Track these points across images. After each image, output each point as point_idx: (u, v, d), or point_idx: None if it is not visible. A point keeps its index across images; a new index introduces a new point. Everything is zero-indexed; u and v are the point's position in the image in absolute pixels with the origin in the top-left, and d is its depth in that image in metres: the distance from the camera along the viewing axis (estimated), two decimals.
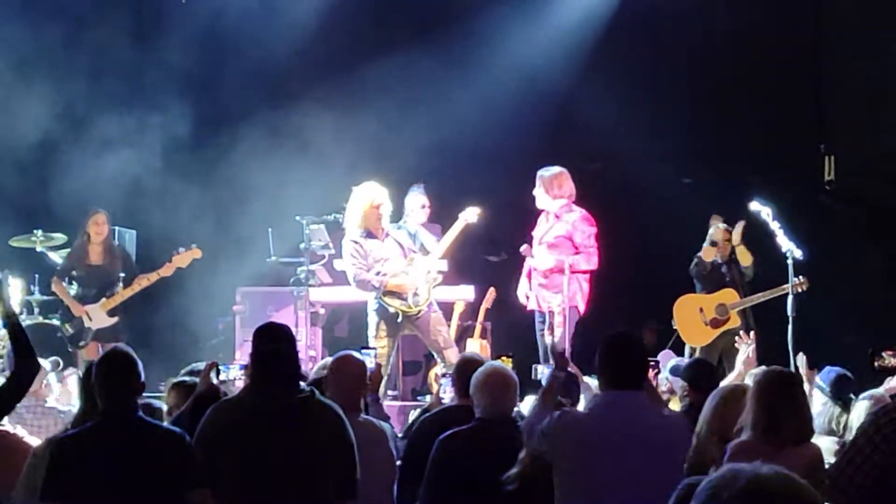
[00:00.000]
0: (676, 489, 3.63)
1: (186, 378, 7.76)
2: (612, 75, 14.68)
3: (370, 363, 8.00)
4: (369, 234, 11.83)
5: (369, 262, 11.76)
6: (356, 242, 11.81)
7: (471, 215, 12.16)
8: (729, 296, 12.79)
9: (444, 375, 9.43)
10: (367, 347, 8.27)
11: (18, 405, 8.75)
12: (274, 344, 6.30)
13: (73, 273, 13.09)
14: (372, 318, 11.89)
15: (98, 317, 12.97)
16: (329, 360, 7.80)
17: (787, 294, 11.97)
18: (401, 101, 14.52)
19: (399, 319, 11.81)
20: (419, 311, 11.78)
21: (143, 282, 12.95)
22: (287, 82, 15.04)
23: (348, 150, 14.69)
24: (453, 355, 11.10)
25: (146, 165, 15.06)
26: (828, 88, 15.41)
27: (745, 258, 12.83)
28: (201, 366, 8.46)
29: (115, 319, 12.97)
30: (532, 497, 6.29)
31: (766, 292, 12.55)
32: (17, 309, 12.45)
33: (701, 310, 12.77)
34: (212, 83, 14.49)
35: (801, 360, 8.85)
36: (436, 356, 12.01)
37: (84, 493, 5.88)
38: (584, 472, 5.92)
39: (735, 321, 12.65)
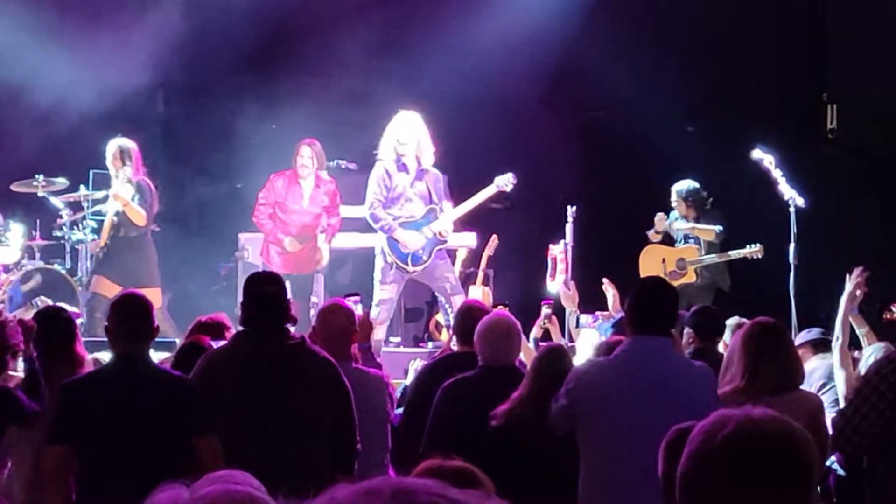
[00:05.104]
0: (666, 435, 3.66)
1: None
2: (614, 24, 14.62)
3: (358, 310, 7.99)
4: (402, 167, 11.71)
5: (390, 196, 11.67)
6: (386, 171, 11.67)
7: (505, 182, 12.03)
8: (690, 252, 13.03)
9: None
10: (353, 294, 8.20)
11: None
12: (263, 291, 6.32)
13: None
14: (379, 262, 11.80)
15: None
16: None
17: (741, 255, 12.73)
18: (401, 52, 14.47)
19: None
20: (413, 272, 11.72)
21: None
22: (286, 29, 14.95)
23: (347, 99, 14.67)
24: (460, 302, 11.07)
25: (141, 113, 15.02)
26: (830, 37, 15.36)
27: (708, 234, 12.98)
28: None
29: None
30: (518, 437, 6.32)
31: (722, 254, 12.85)
32: (19, 254, 12.63)
33: (663, 260, 13.02)
34: (207, 31, 14.38)
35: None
36: (442, 302, 11.94)
37: (92, 436, 5.91)
38: (611, 420, 5.93)
39: (691, 277, 12.97)
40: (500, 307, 8.96)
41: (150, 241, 12.90)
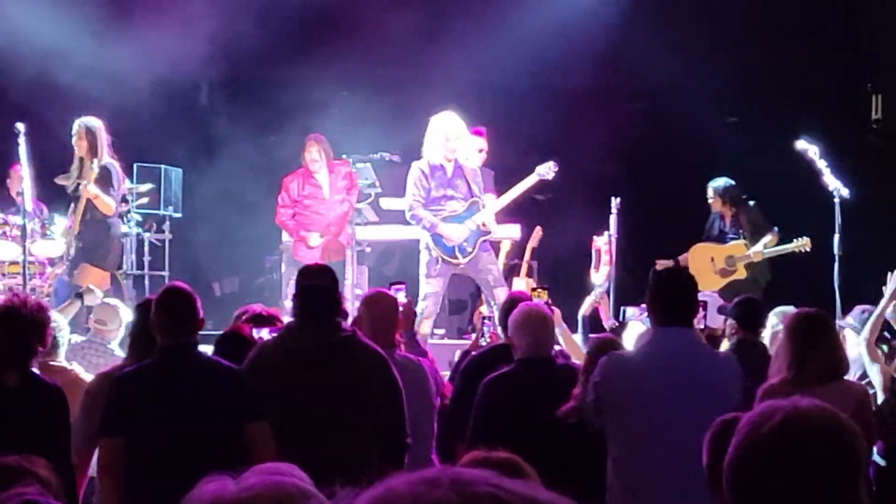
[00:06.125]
0: (712, 426, 3.66)
1: None
2: (659, 14, 14.58)
3: (402, 298, 8.01)
4: (438, 167, 11.70)
5: (430, 196, 11.69)
6: (422, 172, 11.64)
7: (546, 170, 12.03)
8: (738, 248, 13.12)
9: (488, 318, 9.44)
10: (398, 283, 8.21)
11: (82, 339, 8.82)
12: (315, 283, 6.34)
13: None
14: (423, 256, 11.76)
15: None
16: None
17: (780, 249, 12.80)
18: (446, 42, 14.46)
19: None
20: (459, 264, 11.71)
21: None
22: (333, 20, 14.97)
23: (395, 90, 14.67)
24: (503, 294, 11.03)
25: (188, 102, 15.06)
26: (875, 26, 15.27)
27: (771, 242, 13.00)
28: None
29: None
30: (586, 433, 6.31)
31: (770, 250, 12.83)
32: (64, 247, 12.63)
33: (712, 259, 13.15)
34: (257, 21, 14.41)
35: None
36: (485, 294, 11.93)
37: (144, 427, 5.94)
38: (636, 413, 5.91)
39: (742, 273, 13.09)
40: (537, 291, 8.92)
41: (118, 224, 12.61)
